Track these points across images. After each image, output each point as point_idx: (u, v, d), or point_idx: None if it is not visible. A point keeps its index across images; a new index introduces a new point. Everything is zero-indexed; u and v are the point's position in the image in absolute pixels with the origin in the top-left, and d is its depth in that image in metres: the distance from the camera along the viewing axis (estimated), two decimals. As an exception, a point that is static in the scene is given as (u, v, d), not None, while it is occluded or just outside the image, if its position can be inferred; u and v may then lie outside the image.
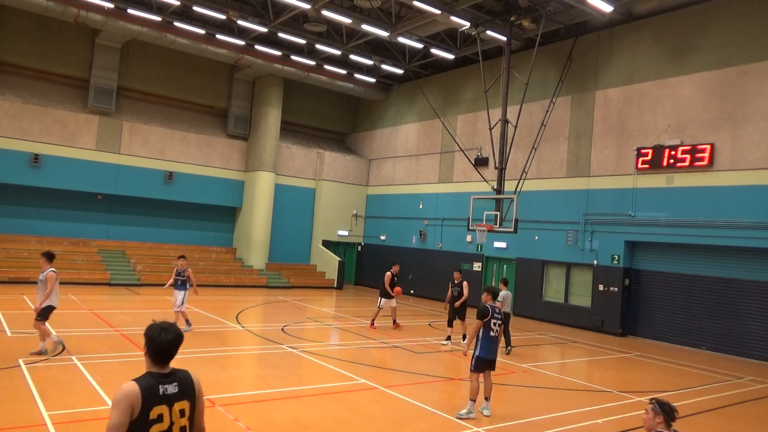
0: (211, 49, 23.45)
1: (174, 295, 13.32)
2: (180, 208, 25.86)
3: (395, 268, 16.31)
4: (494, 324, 8.39)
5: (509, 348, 13.49)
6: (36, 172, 21.81)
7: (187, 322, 13.34)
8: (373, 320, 16.13)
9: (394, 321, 16.31)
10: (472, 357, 8.33)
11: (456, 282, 14.42)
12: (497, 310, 8.49)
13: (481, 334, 8.35)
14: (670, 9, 17.58)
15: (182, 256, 13.82)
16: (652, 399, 4.71)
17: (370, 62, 24.92)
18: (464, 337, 13.92)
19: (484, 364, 8.29)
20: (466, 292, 14.25)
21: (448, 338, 14.16)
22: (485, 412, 8.29)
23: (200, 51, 23.47)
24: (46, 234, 22.70)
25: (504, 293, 13.12)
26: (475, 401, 8.22)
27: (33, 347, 10.15)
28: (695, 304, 16.68)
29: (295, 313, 18.26)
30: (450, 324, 14.36)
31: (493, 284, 22.83)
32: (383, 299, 16.04)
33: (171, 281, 13.43)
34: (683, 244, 16.87)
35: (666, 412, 4.52)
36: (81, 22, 21.18)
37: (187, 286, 13.39)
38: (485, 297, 8.69)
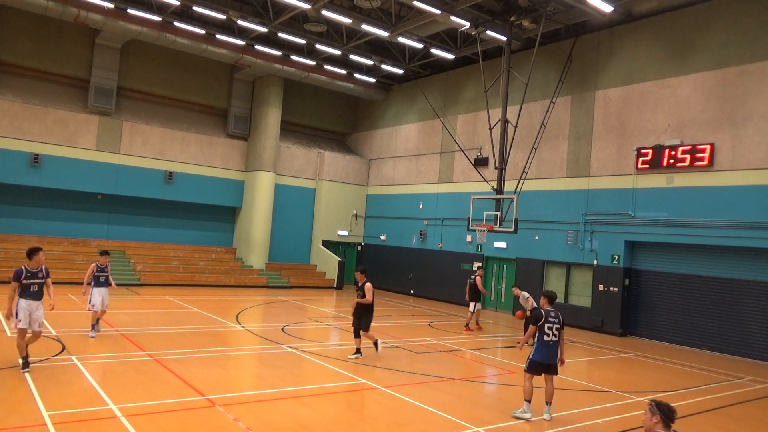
0: (211, 49, 23.45)
1: (94, 293, 11.86)
2: (180, 208, 25.86)
3: (480, 272, 17.56)
4: (549, 328, 8.37)
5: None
6: (36, 172, 21.81)
7: (93, 327, 11.90)
8: (469, 323, 17.11)
9: (468, 325, 17.11)
10: (528, 358, 8.48)
11: (359, 284, 11.79)
12: (552, 315, 8.43)
13: (536, 338, 8.42)
14: (670, 9, 17.58)
15: (106, 252, 12.27)
16: (651, 400, 4.70)
17: (370, 62, 24.92)
18: (357, 351, 11.66)
19: (538, 366, 8.37)
20: (369, 296, 11.55)
21: (357, 351, 11.68)
22: (546, 416, 8.29)
23: (200, 51, 23.47)
24: (46, 234, 22.71)
25: (525, 293, 14.84)
26: (530, 401, 8.30)
27: (32, 347, 10.12)
28: (695, 304, 16.68)
29: (295, 313, 18.26)
30: (357, 334, 11.69)
31: (494, 284, 22.87)
32: (472, 302, 17.14)
33: (88, 279, 12.03)
34: (683, 244, 16.87)
35: (663, 412, 4.51)
36: (81, 22, 21.19)
37: (109, 283, 12.11)
38: (543, 301, 8.74)
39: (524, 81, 19.24)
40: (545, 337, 8.35)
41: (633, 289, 18.20)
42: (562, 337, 8.54)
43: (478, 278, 17.14)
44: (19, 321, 8.68)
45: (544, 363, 8.38)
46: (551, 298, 8.72)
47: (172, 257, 24.41)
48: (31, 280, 8.88)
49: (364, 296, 11.57)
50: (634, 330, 18.04)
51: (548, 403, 8.41)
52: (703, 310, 16.48)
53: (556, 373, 8.52)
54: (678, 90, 17.21)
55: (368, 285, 11.63)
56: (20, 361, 8.76)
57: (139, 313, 15.91)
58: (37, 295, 8.95)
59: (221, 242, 27.21)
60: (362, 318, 11.66)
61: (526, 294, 15.05)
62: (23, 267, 8.87)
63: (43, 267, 9.05)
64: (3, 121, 21.29)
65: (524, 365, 8.55)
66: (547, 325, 8.36)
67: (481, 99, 21.53)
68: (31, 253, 8.95)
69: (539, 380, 8.49)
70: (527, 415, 8.24)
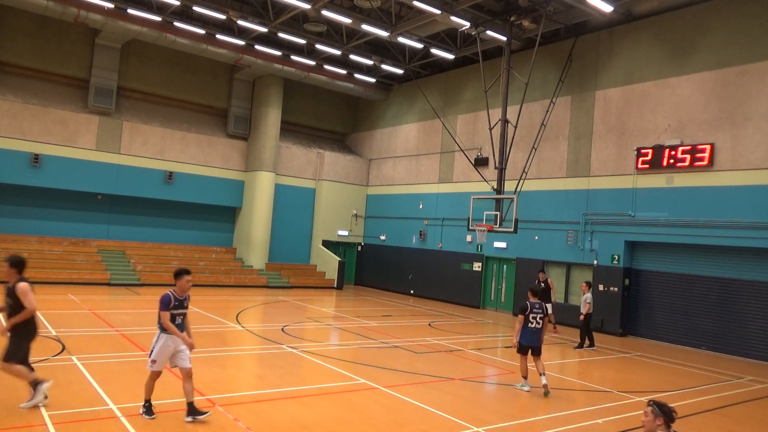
0: (211, 49, 23.44)
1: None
2: (180, 208, 25.86)
3: (541, 276, 17.42)
4: (533, 317, 10.01)
5: (593, 347, 15.09)
6: (36, 172, 21.81)
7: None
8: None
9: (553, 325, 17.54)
10: (517, 343, 10.11)
11: (9, 285, 7.13)
12: (537, 306, 10.05)
13: (522, 325, 10.04)
14: (670, 9, 17.58)
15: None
16: (650, 401, 4.68)
17: (370, 62, 24.92)
18: (35, 383, 7.19)
19: (525, 348, 10.05)
20: (29, 303, 7.03)
21: (36, 383, 7.22)
22: (543, 381, 9.75)
23: (200, 51, 23.47)
24: (46, 234, 22.70)
25: (588, 295, 15.21)
26: (526, 378, 10.06)
27: (32, 347, 10.09)
28: (695, 304, 16.68)
29: (295, 313, 18.26)
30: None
31: (494, 284, 22.86)
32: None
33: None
34: (683, 244, 16.87)
35: (665, 413, 4.52)
36: (81, 22, 21.18)
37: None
38: (529, 294, 10.40)
39: (524, 81, 19.23)
40: (530, 324, 10.02)
41: (633, 289, 18.20)
42: (545, 323, 10.19)
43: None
44: (153, 362, 7.10)
45: (529, 345, 10.03)
46: (535, 292, 10.42)
47: (172, 257, 24.40)
48: (179, 310, 7.27)
49: (15, 306, 7.02)
50: (634, 330, 18.03)
51: (542, 374, 9.84)
52: (703, 310, 16.48)
53: (540, 353, 10.15)
54: (678, 90, 17.21)
55: (22, 285, 7.05)
56: (143, 403, 7.15)
57: (139, 313, 15.91)
58: (182, 328, 7.32)
59: (221, 242, 27.21)
60: (12, 338, 7.11)
61: (589, 296, 15.24)
62: (170, 293, 7.24)
63: (187, 293, 7.49)
64: (3, 121, 21.29)
65: (516, 349, 10.21)
66: (531, 315, 10.01)
67: (481, 99, 21.53)
68: (178, 275, 7.36)
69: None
70: (526, 388, 9.96)
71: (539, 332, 10.07)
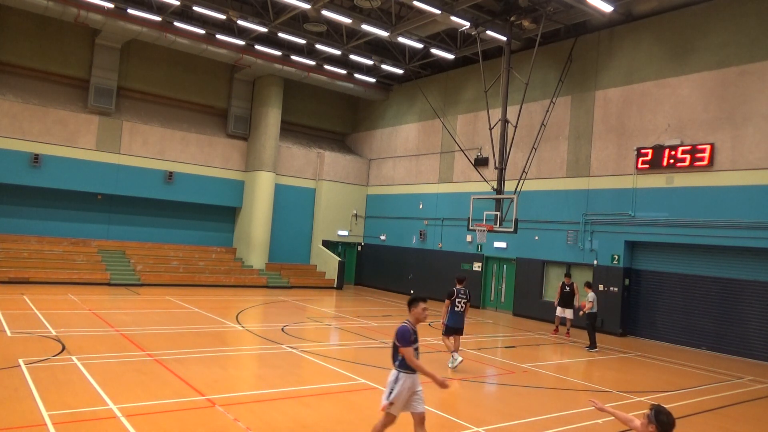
0: (211, 49, 23.45)
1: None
2: (180, 208, 25.86)
3: (566, 280, 17.15)
4: (458, 302, 11.64)
5: (595, 349, 14.89)
6: (36, 172, 21.81)
7: None
8: (558, 327, 17.56)
9: (567, 330, 17.16)
10: (444, 325, 11.67)
11: None
12: (462, 292, 11.68)
13: (449, 309, 11.60)
14: (670, 9, 17.58)
15: None
16: (652, 406, 4.38)
17: (370, 62, 24.91)
18: None
19: (451, 330, 11.62)
20: None
21: None
22: (458, 357, 11.19)
23: (200, 51, 23.47)
24: (46, 234, 22.70)
25: (591, 295, 15.40)
26: (455, 351, 11.36)
27: (32, 347, 10.11)
28: (695, 304, 16.68)
29: (295, 313, 18.26)
30: None
31: (494, 284, 22.87)
32: (558, 307, 17.23)
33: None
34: (683, 244, 16.87)
35: (661, 423, 4.16)
36: (81, 22, 21.19)
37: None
38: (456, 281, 11.90)
39: (524, 81, 19.23)
40: (455, 308, 11.60)
41: (633, 289, 18.20)
42: (467, 308, 11.69)
43: (559, 285, 17.47)
44: (392, 404, 6.08)
45: (454, 327, 11.55)
46: (460, 279, 11.96)
47: (172, 257, 24.41)
48: (416, 344, 6.16)
49: None
50: (634, 330, 18.03)
51: (456, 350, 11.32)
52: (703, 310, 16.47)
53: (462, 334, 11.71)
54: (678, 90, 17.21)
55: None
56: None
57: (139, 313, 15.91)
58: None
59: (221, 242, 27.21)
60: None
61: (592, 295, 15.39)
62: (408, 326, 6.11)
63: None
64: (3, 121, 21.29)
65: (442, 331, 11.74)
66: (457, 300, 11.56)
67: (481, 99, 21.53)
68: (415, 302, 6.25)
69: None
70: (459, 359, 11.16)
71: (463, 315, 11.64)
